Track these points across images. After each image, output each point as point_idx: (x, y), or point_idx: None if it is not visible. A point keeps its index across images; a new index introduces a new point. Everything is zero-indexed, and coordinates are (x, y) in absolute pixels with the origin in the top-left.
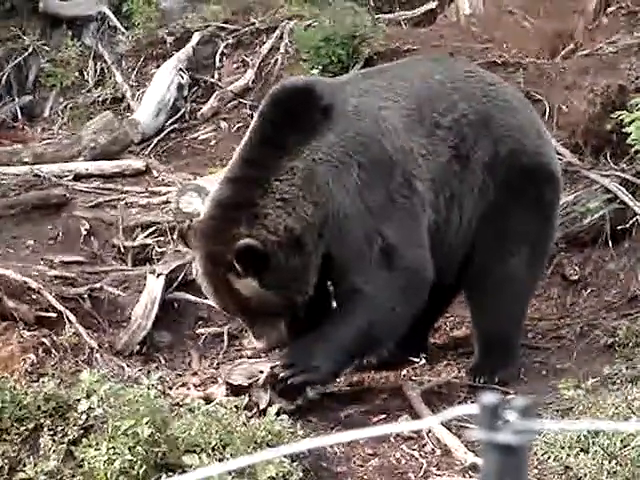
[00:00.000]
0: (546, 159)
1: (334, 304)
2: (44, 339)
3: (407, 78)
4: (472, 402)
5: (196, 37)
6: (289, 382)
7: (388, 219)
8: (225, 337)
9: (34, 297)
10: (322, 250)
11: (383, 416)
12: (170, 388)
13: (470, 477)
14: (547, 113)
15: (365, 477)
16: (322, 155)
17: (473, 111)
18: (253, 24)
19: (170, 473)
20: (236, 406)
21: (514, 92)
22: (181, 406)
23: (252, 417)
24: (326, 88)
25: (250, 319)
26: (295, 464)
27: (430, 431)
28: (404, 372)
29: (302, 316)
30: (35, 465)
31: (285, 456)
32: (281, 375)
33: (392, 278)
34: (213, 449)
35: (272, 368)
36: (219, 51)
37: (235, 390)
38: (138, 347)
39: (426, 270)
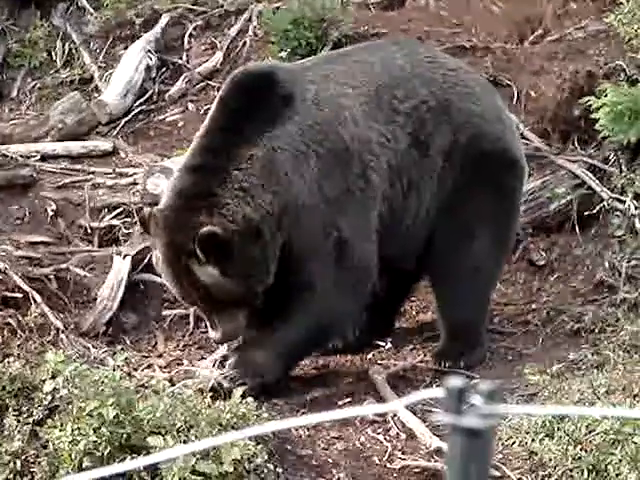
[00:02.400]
0: (507, 145)
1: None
2: (10, 319)
3: (368, 63)
4: (437, 386)
5: (165, 19)
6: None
7: (344, 211)
8: (191, 319)
9: (0, 277)
10: (280, 240)
11: (348, 400)
12: (135, 369)
13: (435, 461)
14: (515, 98)
15: (329, 460)
16: (281, 144)
17: (433, 97)
18: (222, 6)
19: (135, 454)
20: (201, 389)
21: (476, 78)
22: (146, 388)
23: (217, 399)
24: (287, 75)
25: (209, 308)
26: (260, 447)
27: (395, 415)
28: (370, 356)
29: (260, 307)
30: None
31: (250, 438)
32: (227, 386)
33: (342, 273)
34: (178, 431)
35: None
36: (187, 33)
37: None
38: (104, 328)
39: (372, 265)
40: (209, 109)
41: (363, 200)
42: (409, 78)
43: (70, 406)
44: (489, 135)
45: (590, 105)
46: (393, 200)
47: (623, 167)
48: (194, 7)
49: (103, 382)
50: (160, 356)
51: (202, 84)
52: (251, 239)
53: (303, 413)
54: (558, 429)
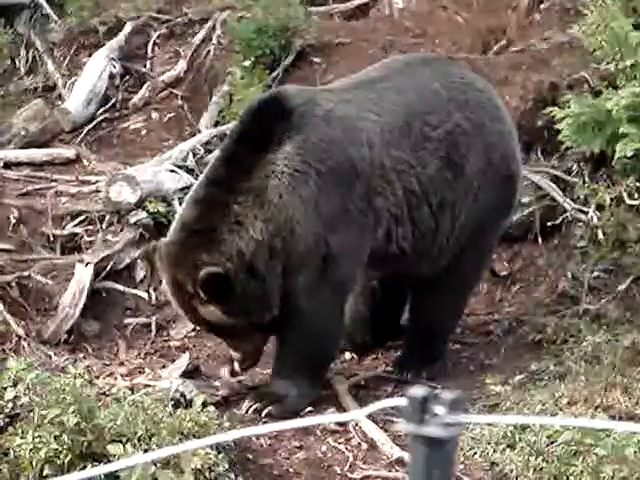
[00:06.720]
0: (520, 163)
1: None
2: None
3: (401, 91)
4: (400, 396)
5: (128, 27)
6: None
7: (337, 228)
8: (153, 327)
9: None
10: (280, 268)
11: (310, 409)
12: (97, 377)
13: (396, 471)
14: None
15: (291, 470)
16: (275, 168)
17: (467, 120)
18: (186, 14)
19: (95, 462)
20: (162, 397)
21: (497, 97)
22: (108, 396)
23: (178, 408)
24: (298, 94)
25: (222, 337)
26: (221, 456)
27: (356, 425)
28: (331, 365)
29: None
30: None
31: (211, 447)
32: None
33: (325, 289)
34: (139, 439)
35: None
36: (151, 41)
37: None
38: (65, 336)
39: (351, 285)
40: (172, 117)
41: (361, 221)
42: (444, 104)
43: (31, 414)
44: (516, 155)
45: (554, 116)
46: (419, 222)
47: (586, 178)
48: (158, 15)
49: (64, 390)
50: (122, 364)
51: (165, 92)
52: (248, 275)
53: (264, 422)
54: (519, 439)
